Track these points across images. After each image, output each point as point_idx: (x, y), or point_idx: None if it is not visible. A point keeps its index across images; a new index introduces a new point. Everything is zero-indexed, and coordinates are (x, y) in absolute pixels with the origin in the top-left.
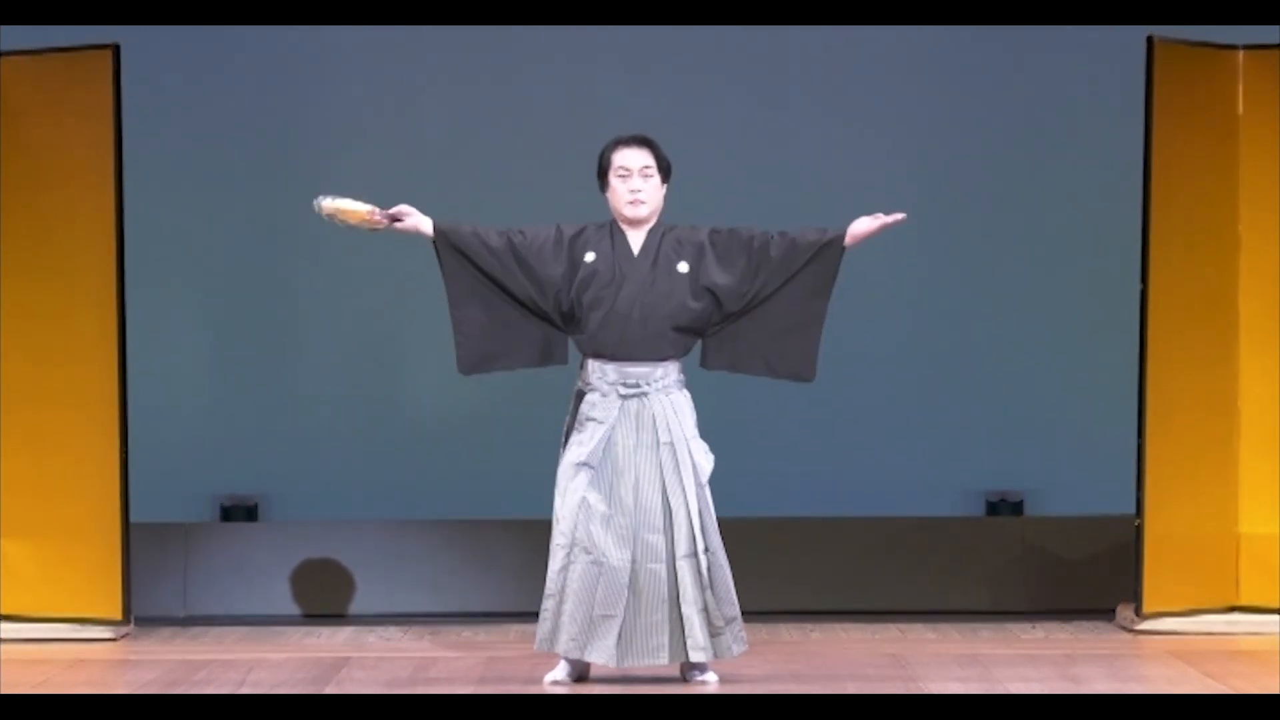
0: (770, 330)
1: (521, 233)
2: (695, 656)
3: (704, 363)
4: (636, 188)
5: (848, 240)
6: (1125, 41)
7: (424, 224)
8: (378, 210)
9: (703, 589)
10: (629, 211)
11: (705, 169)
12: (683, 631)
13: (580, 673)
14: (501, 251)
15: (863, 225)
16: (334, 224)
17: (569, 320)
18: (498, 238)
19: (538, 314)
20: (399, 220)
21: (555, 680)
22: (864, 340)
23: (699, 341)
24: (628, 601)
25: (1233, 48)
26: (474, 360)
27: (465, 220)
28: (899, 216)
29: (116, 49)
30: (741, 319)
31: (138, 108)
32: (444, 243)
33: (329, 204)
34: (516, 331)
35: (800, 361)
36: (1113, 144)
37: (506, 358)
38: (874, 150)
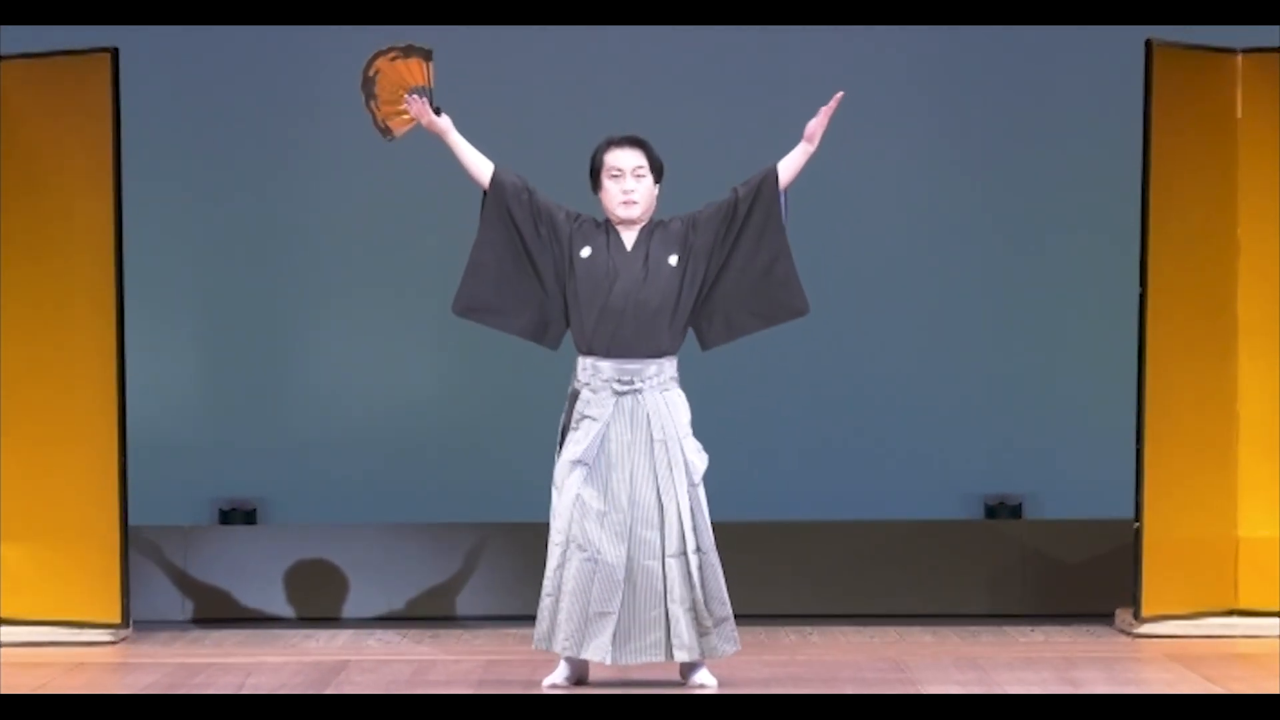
0: (747, 284)
1: (549, 200)
2: (679, 656)
3: (703, 344)
4: (629, 188)
5: (810, 145)
6: (1124, 44)
7: (480, 166)
8: (429, 106)
9: (692, 588)
10: (621, 212)
11: (704, 169)
12: (670, 630)
13: (579, 675)
14: (542, 215)
15: (811, 126)
16: (369, 80)
17: (562, 311)
18: (543, 200)
19: (549, 286)
20: (438, 117)
21: (554, 684)
22: (862, 343)
23: (691, 335)
24: (624, 598)
25: (1231, 51)
26: (469, 303)
27: (444, 244)
28: (838, 96)
29: (115, 52)
30: (717, 286)
31: (136, 111)
32: (496, 193)
33: (384, 63)
34: (521, 296)
35: (788, 299)
36: (1112, 148)
37: (499, 315)
38: (871, 156)
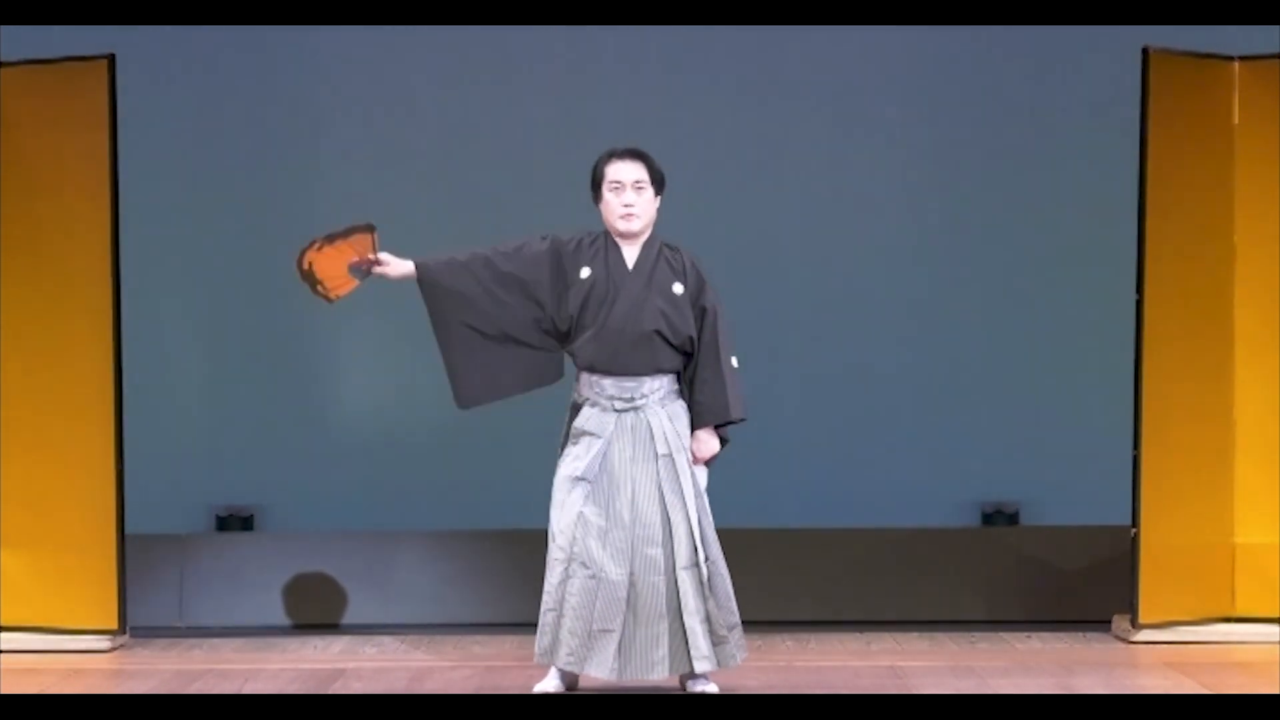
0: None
1: (512, 255)
2: (700, 666)
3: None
4: (629, 201)
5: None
6: (1121, 50)
7: (406, 266)
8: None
9: (705, 598)
10: (622, 225)
11: (705, 173)
12: (685, 642)
13: (570, 682)
14: (490, 279)
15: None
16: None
17: (565, 337)
18: (484, 266)
19: (534, 335)
20: (380, 265)
21: (545, 691)
22: (861, 352)
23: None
24: (626, 616)
25: (1228, 58)
26: (470, 395)
27: (445, 248)
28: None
29: (112, 59)
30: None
31: (133, 118)
32: (428, 280)
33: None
34: (507, 361)
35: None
36: (1109, 155)
37: (501, 388)
38: (866, 161)
